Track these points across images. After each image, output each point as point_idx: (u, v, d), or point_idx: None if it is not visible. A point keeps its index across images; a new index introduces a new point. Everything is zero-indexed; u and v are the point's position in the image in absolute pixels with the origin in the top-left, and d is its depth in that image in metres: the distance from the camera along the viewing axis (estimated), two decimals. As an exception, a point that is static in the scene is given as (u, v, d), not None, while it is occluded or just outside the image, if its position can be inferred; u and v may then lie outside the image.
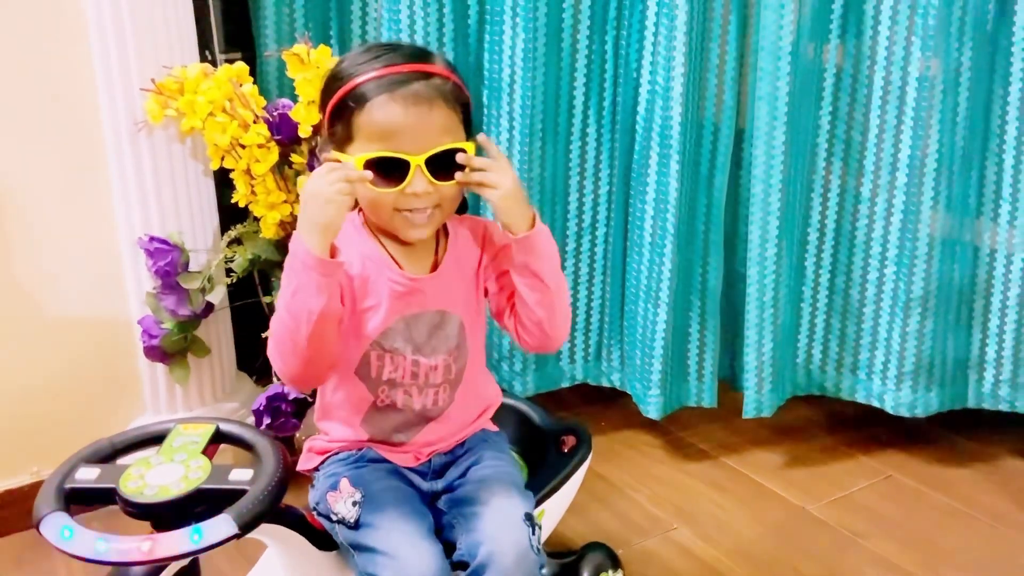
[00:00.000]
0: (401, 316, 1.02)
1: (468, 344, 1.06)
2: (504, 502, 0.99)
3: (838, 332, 1.67)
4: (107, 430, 1.49)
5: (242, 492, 0.82)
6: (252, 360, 1.69)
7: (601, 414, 1.81)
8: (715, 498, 1.58)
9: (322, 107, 1.01)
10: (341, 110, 0.97)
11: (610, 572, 1.27)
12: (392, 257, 1.02)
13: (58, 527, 0.81)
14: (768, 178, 1.53)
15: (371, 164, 0.94)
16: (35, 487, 1.47)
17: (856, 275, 1.63)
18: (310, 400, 1.42)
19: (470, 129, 1.01)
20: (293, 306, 0.93)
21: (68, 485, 0.85)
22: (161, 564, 0.87)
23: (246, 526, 0.80)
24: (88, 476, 0.86)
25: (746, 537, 1.47)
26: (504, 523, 0.97)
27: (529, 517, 0.99)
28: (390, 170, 0.94)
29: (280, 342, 0.96)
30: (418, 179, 0.95)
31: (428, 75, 0.96)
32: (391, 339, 1.02)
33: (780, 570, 1.39)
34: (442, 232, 1.06)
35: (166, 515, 0.81)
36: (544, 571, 0.99)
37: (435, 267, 1.04)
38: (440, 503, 1.05)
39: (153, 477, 0.84)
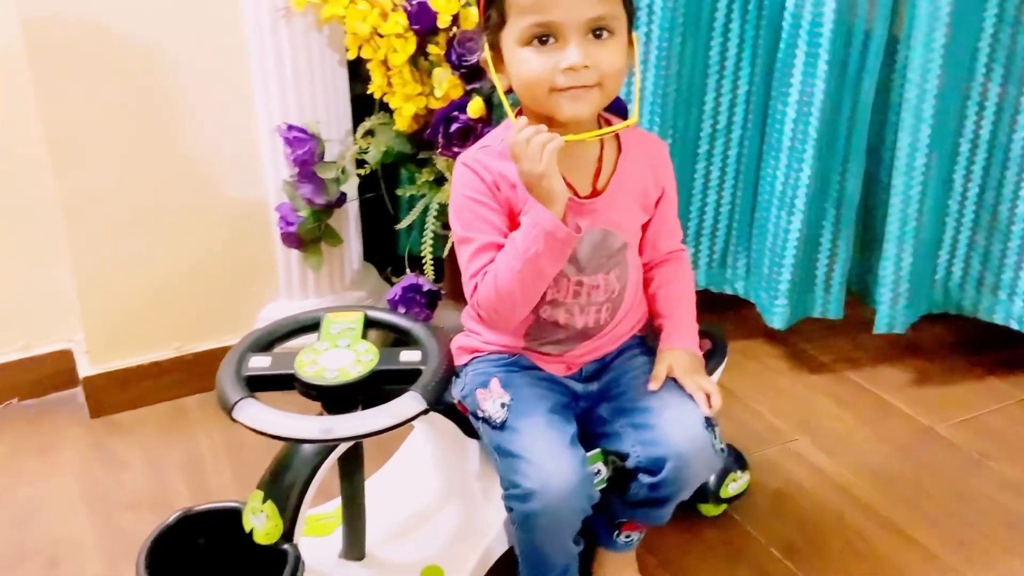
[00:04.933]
0: None
1: (630, 264, 1.04)
2: (680, 411, 0.99)
3: (982, 250, 1.59)
4: (242, 313, 1.58)
5: (417, 372, 0.84)
6: (376, 252, 1.73)
7: (721, 322, 1.79)
8: (838, 412, 1.56)
9: None
10: None
11: (738, 472, 1.28)
12: None
13: (255, 411, 0.84)
14: (924, 83, 1.44)
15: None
16: (177, 361, 1.57)
17: (1007, 191, 1.54)
18: (442, 292, 1.45)
19: (632, 19, 0.96)
20: (528, 269, 0.93)
21: (247, 373, 0.88)
22: (333, 445, 0.90)
23: (432, 402, 0.83)
24: (262, 364, 0.89)
25: (868, 452, 1.45)
26: (687, 434, 0.97)
27: (708, 421, 0.98)
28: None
29: (506, 298, 0.96)
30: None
31: None
32: None
33: (904, 487, 1.37)
34: (612, 143, 1.02)
35: (344, 396, 0.84)
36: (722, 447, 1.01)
37: (597, 175, 1.01)
38: (601, 410, 1.06)
39: (327, 361, 0.86)
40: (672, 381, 1.02)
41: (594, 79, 0.92)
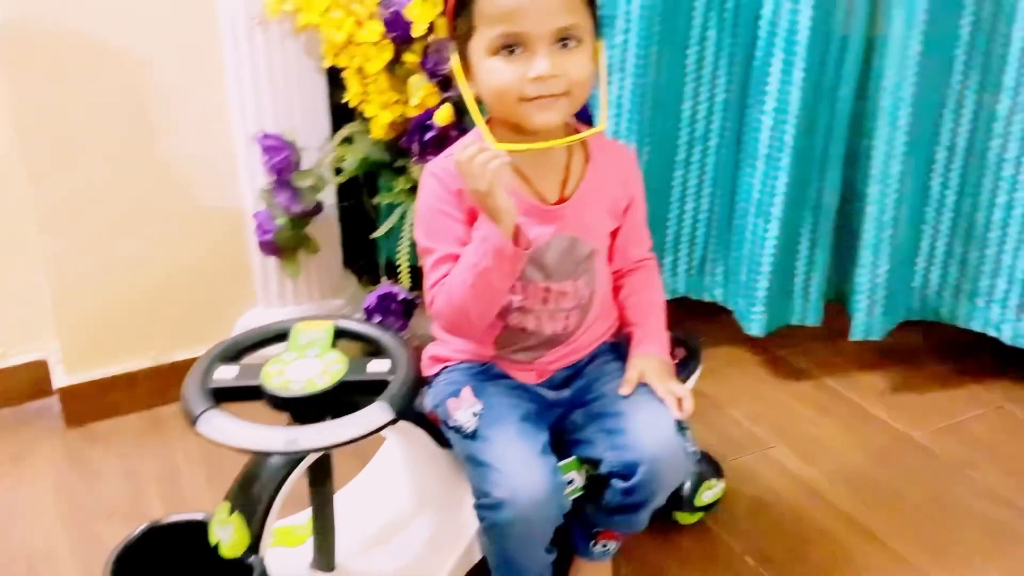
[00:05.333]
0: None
1: (598, 271, 1.05)
2: (652, 415, 0.99)
3: (959, 257, 1.60)
4: (219, 321, 1.57)
5: (385, 382, 0.84)
6: (356, 260, 1.72)
7: (700, 329, 1.79)
8: (816, 419, 1.56)
9: (445, 7, 0.98)
10: (461, 2, 0.94)
11: (713, 480, 1.27)
12: (522, 173, 0.99)
13: (219, 423, 0.83)
14: (898, 90, 1.45)
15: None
16: (153, 371, 1.55)
17: (984, 198, 1.55)
18: (418, 301, 1.44)
19: (598, 26, 0.97)
20: (480, 283, 0.93)
21: (212, 385, 0.87)
22: (301, 456, 0.89)
23: (401, 412, 0.82)
24: (228, 375, 0.88)
25: (847, 460, 1.45)
26: (658, 438, 0.97)
27: (679, 424, 0.99)
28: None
29: (460, 310, 0.96)
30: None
31: None
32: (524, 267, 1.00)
33: (882, 495, 1.37)
34: (580, 150, 1.03)
35: (312, 407, 0.84)
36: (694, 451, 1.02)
37: (565, 183, 1.01)
38: (575, 416, 1.05)
39: (293, 372, 0.86)
40: (644, 386, 1.02)
41: (562, 88, 0.93)
